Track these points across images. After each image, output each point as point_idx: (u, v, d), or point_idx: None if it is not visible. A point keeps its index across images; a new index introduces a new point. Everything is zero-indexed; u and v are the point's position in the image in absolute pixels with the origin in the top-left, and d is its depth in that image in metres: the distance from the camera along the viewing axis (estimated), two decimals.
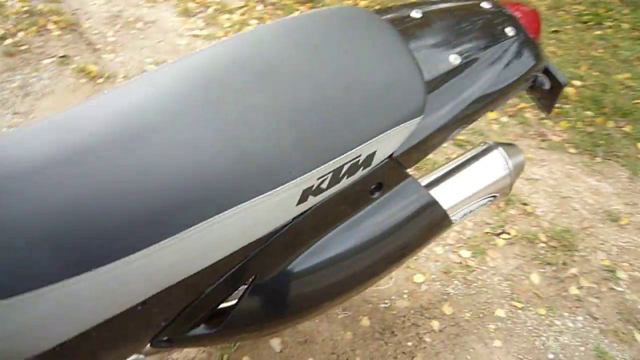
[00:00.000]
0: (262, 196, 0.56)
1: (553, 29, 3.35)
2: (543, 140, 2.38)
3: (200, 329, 0.73)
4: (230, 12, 3.13)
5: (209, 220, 0.54)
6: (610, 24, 3.58)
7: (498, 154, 0.89)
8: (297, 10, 3.23)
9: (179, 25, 2.94)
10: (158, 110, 0.58)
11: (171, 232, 0.53)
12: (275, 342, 1.43)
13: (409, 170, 0.79)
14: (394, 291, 1.59)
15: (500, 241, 1.80)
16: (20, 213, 0.50)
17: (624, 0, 3.84)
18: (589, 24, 3.55)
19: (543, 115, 2.49)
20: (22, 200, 0.50)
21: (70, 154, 0.54)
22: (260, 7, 3.23)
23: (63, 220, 0.51)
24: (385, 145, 0.67)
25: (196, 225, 0.54)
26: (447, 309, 1.54)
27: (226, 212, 0.55)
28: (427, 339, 1.46)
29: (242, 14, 3.12)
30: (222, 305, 0.73)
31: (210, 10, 3.10)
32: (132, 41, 2.76)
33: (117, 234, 0.52)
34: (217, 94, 0.60)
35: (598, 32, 3.42)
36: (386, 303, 1.55)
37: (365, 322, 1.48)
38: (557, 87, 0.92)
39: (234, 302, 0.74)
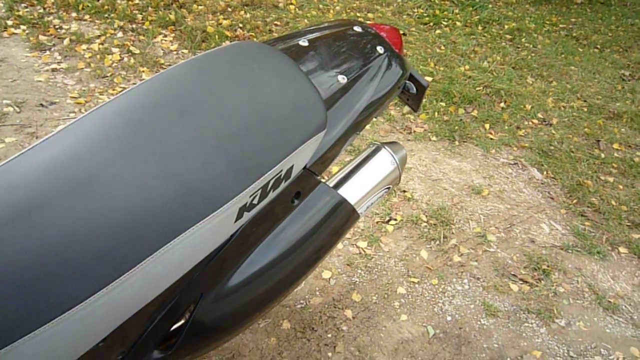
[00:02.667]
0: (206, 219, 0.63)
1: (401, 32, 3.72)
2: (409, 133, 2.66)
3: (155, 355, 0.76)
4: (89, 41, 3.00)
5: (164, 248, 0.59)
6: (446, 23, 4.07)
7: (385, 152, 1.04)
8: (161, 34, 3.21)
9: (34, 61, 2.76)
10: (93, 156, 0.62)
11: (129, 266, 0.57)
12: None
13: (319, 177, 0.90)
14: (306, 291, 1.70)
15: (389, 227, 2.00)
16: None
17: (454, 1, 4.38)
18: (429, 24, 4.01)
19: (405, 111, 2.79)
20: None
21: (17, 211, 0.55)
22: (120, 34, 3.15)
23: (24, 275, 0.53)
24: (300, 158, 0.77)
25: (151, 256, 0.58)
26: (356, 297, 1.69)
27: (177, 238, 0.60)
28: (344, 328, 1.59)
29: (102, 43, 3.02)
30: (172, 328, 0.78)
31: (65, 42, 2.95)
32: None
33: (79, 277, 0.55)
34: (146, 135, 0.65)
35: (438, 32, 3.88)
36: (302, 303, 1.65)
37: (286, 325, 1.57)
38: (421, 89, 1.11)
39: (182, 322, 0.78)
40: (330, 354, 1.51)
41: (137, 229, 0.59)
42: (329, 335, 1.56)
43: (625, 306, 1.82)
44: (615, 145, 2.81)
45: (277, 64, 0.82)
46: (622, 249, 2.07)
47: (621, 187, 2.48)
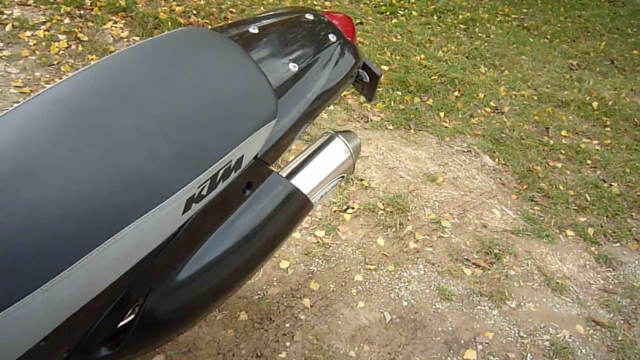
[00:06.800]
0: (151, 211, 0.61)
1: (357, 21, 3.73)
2: (366, 122, 2.68)
3: (103, 351, 0.74)
4: (33, 28, 2.86)
5: (105, 242, 0.57)
6: (402, 12, 4.10)
7: (339, 141, 1.04)
8: (110, 20, 3.09)
9: None
10: (29, 147, 0.58)
11: (69, 262, 0.55)
12: (159, 358, 1.43)
13: (272, 167, 0.89)
14: (264, 281, 1.69)
15: (347, 216, 2.01)
16: None
17: None
18: (386, 14, 4.03)
19: (362, 100, 2.80)
20: None
21: None
22: (67, 20, 3.01)
23: None
24: (250, 148, 0.76)
25: (93, 250, 0.56)
26: (314, 286, 1.70)
27: (120, 232, 0.58)
28: (302, 317, 1.60)
29: (48, 30, 2.88)
30: (120, 324, 0.75)
31: (7, 28, 2.80)
32: None
33: (12, 276, 0.52)
34: (87, 124, 0.62)
35: (395, 21, 3.91)
36: (259, 294, 1.64)
37: (244, 316, 1.56)
38: (374, 78, 1.11)
39: (131, 318, 0.76)
40: (288, 344, 1.51)
41: (77, 223, 0.57)
42: (287, 325, 1.56)
43: (572, 286, 1.90)
44: (563, 133, 2.92)
45: (226, 51, 0.80)
46: (569, 232, 2.16)
47: (568, 172, 2.58)
